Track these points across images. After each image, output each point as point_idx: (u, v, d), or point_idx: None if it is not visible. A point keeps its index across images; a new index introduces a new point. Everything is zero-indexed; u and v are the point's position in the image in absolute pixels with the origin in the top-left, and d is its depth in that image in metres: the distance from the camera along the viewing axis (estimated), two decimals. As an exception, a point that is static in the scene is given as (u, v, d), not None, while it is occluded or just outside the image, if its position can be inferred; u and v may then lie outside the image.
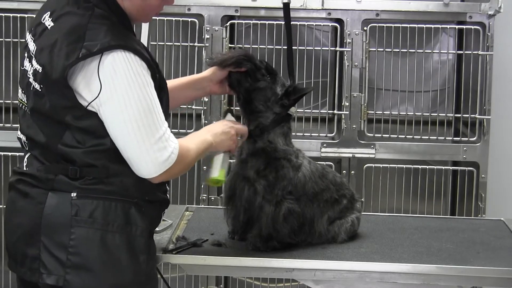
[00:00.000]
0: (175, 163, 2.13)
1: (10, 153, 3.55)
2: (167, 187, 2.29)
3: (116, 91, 2.05)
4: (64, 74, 2.04)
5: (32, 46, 2.15)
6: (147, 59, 2.11)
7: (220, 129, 2.34)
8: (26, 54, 2.18)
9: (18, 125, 2.24)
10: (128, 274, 2.13)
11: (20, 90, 2.21)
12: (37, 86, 2.11)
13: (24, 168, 2.20)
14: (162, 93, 2.18)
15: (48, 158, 2.15)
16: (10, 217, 2.20)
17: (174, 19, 3.55)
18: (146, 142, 2.08)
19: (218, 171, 2.36)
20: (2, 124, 3.61)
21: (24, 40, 3.57)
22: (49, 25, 2.13)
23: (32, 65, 2.13)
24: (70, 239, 2.10)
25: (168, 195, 2.29)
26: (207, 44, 3.55)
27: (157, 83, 2.14)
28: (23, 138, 2.21)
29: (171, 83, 2.44)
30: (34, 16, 3.51)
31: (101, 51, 2.04)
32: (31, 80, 2.13)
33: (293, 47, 2.67)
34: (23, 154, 2.23)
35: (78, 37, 2.06)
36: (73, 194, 2.11)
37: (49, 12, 2.16)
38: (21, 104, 2.21)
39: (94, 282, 2.11)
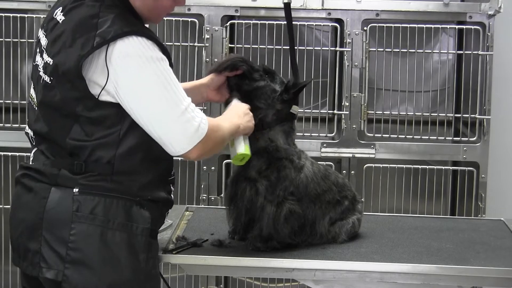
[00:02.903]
0: (208, 137, 2.13)
1: (10, 153, 3.55)
2: (171, 187, 2.29)
3: (130, 70, 2.06)
4: (79, 65, 2.06)
5: (44, 41, 2.17)
6: (161, 44, 2.13)
7: (242, 110, 2.34)
8: (38, 50, 2.20)
9: (26, 121, 2.27)
10: (126, 272, 2.14)
11: (32, 86, 2.24)
12: (46, 79, 2.13)
13: (30, 163, 2.22)
14: None
15: (54, 153, 2.16)
16: (14, 212, 2.22)
17: (174, 19, 3.55)
18: (172, 115, 2.08)
19: (243, 146, 2.35)
20: (2, 124, 3.61)
21: (24, 40, 3.62)
22: (60, 19, 2.15)
23: (43, 59, 2.16)
24: (70, 235, 2.11)
25: (171, 195, 2.29)
26: (207, 44, 3.55)
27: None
28: (31, 133, 2.23)
29: None
30: (35, 16, 3.57)
31: (115, 38, 2.05)
32: (41, 73, 2.16)
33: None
34: (30, 149, 2.25)
35: (90, 26, 2.08)
36: (75, 190, 2.13)
37: (61, 8, 2.18)
38: (30, 99, 2.24)
39: (93, 278, 2.11)
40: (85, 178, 2.13)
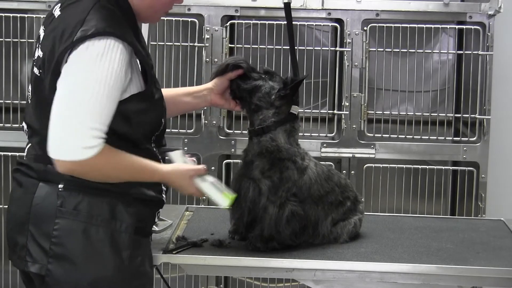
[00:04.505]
0: (82, 164, 2.05)
1: (10, 153, 3.55)
2: (163, 187, 2.29)
3: (81, 60, 2.03)
4: (59, 59, 2.07)
5: (41, 36, 2.19)
6: (140, 53, 2.12)
7: (178, 183, 2.28)
8: (36, 45, 2.22)
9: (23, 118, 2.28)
10: (109, 269, 2.15)
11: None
12: (37, 72, 2.16)
13: (24, 158, 2.25)
14: (156, 91, 2.20)
15: (43, 148, 2.17)
16: (9, 207, 2.26)
17: (174, 19, 3.55)
18: (75, 123, 2.02)
19: (220, 197, 2.33)
20: (2, 124, 3.61)
21: (24, 40, 3.62)
22: (57, 14, 2.17)
23: (38, 53, 2.18)
24: (54, 229, 2.13)
25: (163, 195, 2.30)
26: (207, 44, 3.55)
27: (151, 81, 2.16)
28: (25, 126, 2.25)
29: (171, 90, 2.50)
30: (35, 16, 3.58)
31: (95, 35, 2.04)
32: (35, 66, 2.18)
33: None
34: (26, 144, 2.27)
35: (77, 22, 2.08)
36: (60, 186, 2.14)
37: (60, 4, 2.20)
38: (27, 93, 2.25)
39: (75, 273, 2.13)
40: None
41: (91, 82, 2.03)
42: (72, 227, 2.12)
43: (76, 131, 2.03)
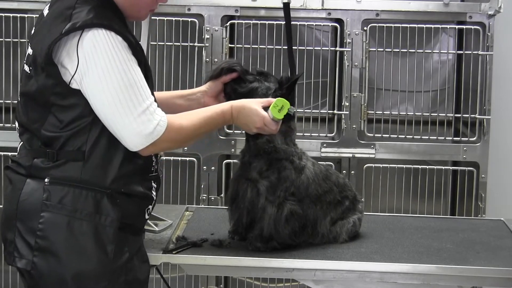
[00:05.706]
0: (163, 138, 2.15)
1: (10, 153, 3.55)
2: (153, 183, 2.29)
3: (96, 65, 2.09)
4: (49, 51, 2.10)
5: (32, 35, 2.24)
6: (129, 40, 2.15)
7: (246, 112, 2.34)
8: (28, 44, 2.26)
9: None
10: (93, 263, 2.16)
11: None
12: (27, 69, 2.19)
13: (16, 156, 2.28)
14: (147, 80, 2.22)
15: (31, 144, 2.21)
16: (3, 204, 2.27)
17: (174, 19, 3.55)
18: (129, 115, 2.11)
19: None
20: (2, 124, 3.61)
21: (24, 40, 3.63)
22: (45, 13, 2.22)
23: (28, 51, 2.21)
24: (39, 223, 2.15)
25: (153, 192, 2.29)
26: (207, 44, 3.55)
27: (142, 69, 2.18)
28: (17, 124, 2.28)
29: (164, 93, 2.54)
30: (35, 16, 3.58)
31: (83, 27, 2.09)
32: (24, 64, 2.21)
33: (293, 47, 2.68)
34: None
35: (65, 17, 2.13)
36: (46, 180, 2.16)
37: (49, 4, 2.24)
38: (18, 91, 2.28)
39: (59, 267, 2.14)
40: (56, 168, 2.16)
41: (119, 70, 2.10)
42: (56, 220, 2.14)
43: (137, 117, 2.12)
